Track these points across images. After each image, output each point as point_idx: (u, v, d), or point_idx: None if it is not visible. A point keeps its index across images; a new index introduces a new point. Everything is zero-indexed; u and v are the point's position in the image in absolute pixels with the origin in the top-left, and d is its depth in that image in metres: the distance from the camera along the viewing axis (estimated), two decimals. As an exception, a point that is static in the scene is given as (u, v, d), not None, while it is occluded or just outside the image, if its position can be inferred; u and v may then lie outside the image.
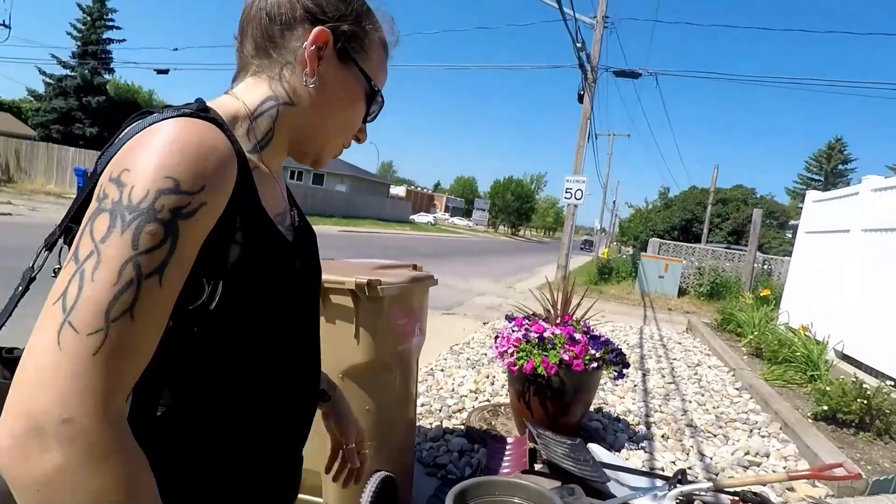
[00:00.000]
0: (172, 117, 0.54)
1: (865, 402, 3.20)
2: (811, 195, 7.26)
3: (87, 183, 0.56)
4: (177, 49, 34.65)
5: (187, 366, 0.57)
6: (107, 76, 28.41)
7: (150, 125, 0.53)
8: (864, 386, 3.34)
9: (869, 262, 5.06)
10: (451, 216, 67.30)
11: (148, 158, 0.50)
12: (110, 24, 28.19)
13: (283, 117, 0.66)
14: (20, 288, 0.58)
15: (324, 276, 1.71)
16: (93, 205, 0.50)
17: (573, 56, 11.32)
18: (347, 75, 0.67)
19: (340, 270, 1.87)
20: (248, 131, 0.64)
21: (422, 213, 52.65)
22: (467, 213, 70.33)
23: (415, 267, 2.17)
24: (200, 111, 0.57)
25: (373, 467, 1.71)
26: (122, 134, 0.56)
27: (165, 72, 18.86)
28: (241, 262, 0.57)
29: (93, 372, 0.45)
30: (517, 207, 60.19)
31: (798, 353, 4.58)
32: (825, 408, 3.34)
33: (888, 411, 3.18)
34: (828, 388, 3.43)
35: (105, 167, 0.53)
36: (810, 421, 3.40)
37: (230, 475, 0.62)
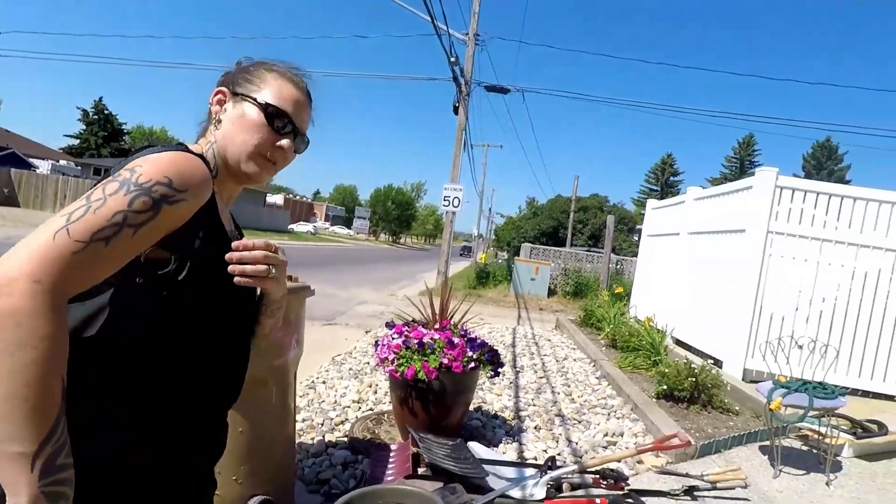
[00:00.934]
0: (176, 149, 0.80)
1: (694, 379, 3.77)
2: (650, 203, 8.37)
3: None
4: (-5, 31, 29.30)
5: (154, 318, 0.78)
6: None
7: (161, 150, 0.78)
8: (693, 366, 3.93)
9: (693, 260, 5.98)
10: (332, 225, 65.64)
11: (157, 164, 0.75)
12: None
13: (218, 155, 0.92)
14: None
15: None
16: (108, 178, 0.73)
17: (448, 69, 11.80)
18: (242, 107, 0.91)
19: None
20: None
21: (301, 223, 50.54)
22: (348, 222, 69.13)
23: (290, 278, 2.11)
24: (191, 150, 0.85)
25: (248, 492, 1.62)
26: (136, 154, 0.78)
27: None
28: (203, 250, 0.80)
29: (66, 264, 0.64)
30: (398, 215, 60.61)
31: (644, 342, 5.24)
32: (665, 387, 3.87)
33: (710, 385, 3.78)
34: (666, 371, 3.98)
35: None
36: (654, 400, 3.91)
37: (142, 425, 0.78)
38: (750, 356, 4.63)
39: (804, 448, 3.36)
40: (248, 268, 0.82)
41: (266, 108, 0.90)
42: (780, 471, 2.91)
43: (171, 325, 0.80)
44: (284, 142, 0.91)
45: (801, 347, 3.54)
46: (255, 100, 0.90)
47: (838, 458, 3.13)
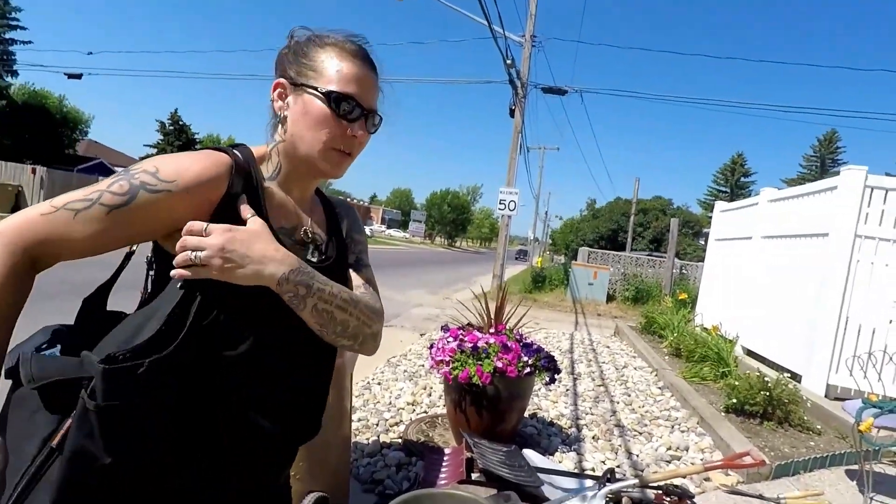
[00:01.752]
0: (213, 148, 0.81)
1: (767, 393, 3.50)
2: (719, 206, 7.91)
3: None
4: (91, 53, 32.27)
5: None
6: (10, 79, 25.96)
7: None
8: (766, 379, 3.66)
9: (767, 266, 5.58)
10: (388, 228, 66.94)
11: (161, 158, 0.78)
12: (14, 23, 25.87)
13: (283, 153, 0.86)
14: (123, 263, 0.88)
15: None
16: None
17: (504, 72, 11.73)
18: (303, 99, 0.83)
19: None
20: (267, 166, 0.88)
21: (358, 226, 51.71)
22: (404, 225, 70.22)
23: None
24: (229, 148, 0.84)
25: (306, 489, 1.66)
26: None
27: (78, 76, 17.49)
28: None
29: (32, 223, 0.71)
30: (453, 219, 60.92)
31: (711, 352, 4.94)
32: (735, 401, 3.63)
33: (786, 401, 3.50)
34: (736, 383, 3.73)
35: None
36: (723, 414, 3.67)
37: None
38: (834, 371, 4.25)
39: (899, 475, 3.03)
40: (177, 259, 0.73)
41: (329, 97, 0.81)
42: (871, 499, 2.64)
43: (204, 339, 0.75)
44: (357, 130, 0.84)
45: (892, 360, 3.21)
46: (315, 89, 0.81)
47: (941, 489, 2.80)
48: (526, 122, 13.07)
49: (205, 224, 0.73)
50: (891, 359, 3.18)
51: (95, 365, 0.66)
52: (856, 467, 2.91)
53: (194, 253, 0.72)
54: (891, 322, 4.19)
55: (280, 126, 0.85)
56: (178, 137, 47.60)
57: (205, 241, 0.72)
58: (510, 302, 3.61)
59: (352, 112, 0.83)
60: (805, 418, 3.57)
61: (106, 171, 31.99)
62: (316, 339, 0.85)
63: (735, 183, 51.59)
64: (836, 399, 4.04)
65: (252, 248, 0.74)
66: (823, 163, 50.51)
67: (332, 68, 0.82)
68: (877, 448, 2.72)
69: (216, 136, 64.17)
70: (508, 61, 11.31)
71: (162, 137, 48.00)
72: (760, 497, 2.52)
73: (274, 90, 0.85)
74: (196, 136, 50.54)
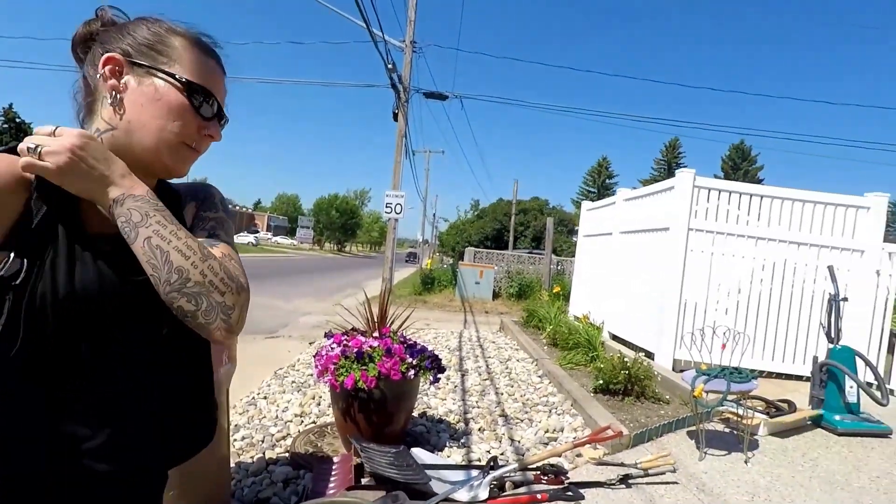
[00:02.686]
0: None
1: (627, 372, 3.97)
2: (585, 205, 8.73)
3: None
4: None
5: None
6: None
7: None
8: (626, 359, 4.14)
9: (625, 258, 6.29)
10: (275, 235, 63.66)
11: None
12: None
13: (111, 143, 0.73)
14: None
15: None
16: None
17: (386, 76, 11.79)
18: (154, 84, 0.73)
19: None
20: None
21: (242, 234, 48.76)
22: (291, 232, 67.25)
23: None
24: (10, 147, 0.70)
25: (178, 518, 1.56)
26: None
27: None
28: (38, 249, 0.69)
29: None
30: (342, 223, 59.63)
31: (582, 339, 5.45)
32: (601, 382, 4.05)
33: (642, 377, 3.99)
34: (602, 366, 4.16)
35: None
36: (592, 395, 4.08)
37: None
38: (678, 347, 4.93)
39: (726, 430, 3.61)
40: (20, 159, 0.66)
41: (190, 88, 0.74)
42: (705, 453, 3.12)
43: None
44: (213, 130, 0.78)
45: (723, 340, 3.82)
46: (172, 76, 0.73)
47: (755, 437, 3.40)
48: (410, 126, 13.27)
49: (55, 126, 0.66)
50: (714, 332, 3.79)
51: None
52: (694, 428, 3.42)
53: (38, 146, 0.64)
54: (717, 302, 4.97)
55: (112, 110, 0.73)
56: (15, 137, 40.86)
57: (55, 140, 0.64)
58: (400, 304, 3.67)
59: (210, 109, 0.77)
60: (657, 391, 4.10)
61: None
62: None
63: (602, 184, 57.08)
64: (680, 371, 4.69)
65: (108, 162, 0.67)
66: (670, 166, 57.84)
67: (191, 59, 0.75)
68: (707, 409, 3.22)
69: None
70: (390, 66, 11.40)
71: (-10, 137, 40.91)
72: (622, 464, 2.87)
73: (104, 65, 0.72)
74: (35, 136, 43.73)
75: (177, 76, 0.73)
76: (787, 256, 4.98)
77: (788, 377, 4.98)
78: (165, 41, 0.75)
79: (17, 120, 41.74)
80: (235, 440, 2.95)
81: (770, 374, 4.93)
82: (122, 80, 0.73)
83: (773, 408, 3.68)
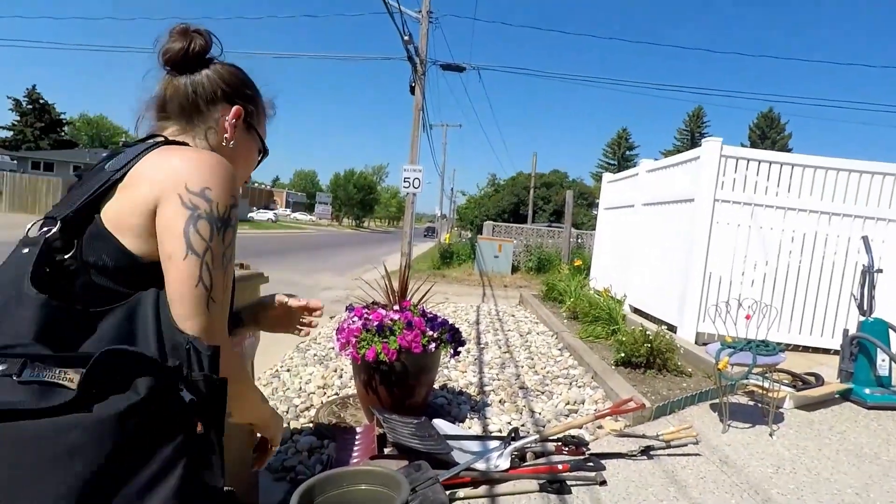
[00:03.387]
0: (210, 155, 0.83)
1: (649, 345, 3.93)
2: (606, 177, 8.55)
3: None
4: None
5: None
6: None
7: (198, 156, 0.81)
8: (648, 332, 4.09)
9: (647, 230, 6.17)
10: (294, 211, 64.23)
11: (222, 185, 0.79)
12: None
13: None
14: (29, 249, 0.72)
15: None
16: (190, 215, 0.74)
17: (402, 49, 11.58)
18: (250, 138, 1.01)
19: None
20: None
21: (261, 210, 49.19)
22: (310, 208, 67.78)
23: (242, 265, 2.06)
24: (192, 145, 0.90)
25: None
26: (141, 157, 0.80)
27: None
28: None
29: (224, 323, 0.80)
30: (360, 199, 59.77)
31: (603, 312, 5.41)
32: (622, 355, 4.02)
33: (664, 350, 3.95)
34: (623, 339, 4.12)
35: (126, 170, 0.78)
36: (613, 367, 4.06)
37: None
38: (701, 320, 4.86)
39: (750, 403, 3.57)
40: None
41: (263, 153, 1.08)
42: (729, 426, 3.09)
43: None
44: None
45: (749, 312, 3.74)
46: (262, 143, 1.06)
47: (781, 411, 3.35)
48: (427, 100, 13.09)
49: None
50: (740, 304, 3.71)
51: (204, 348, 0.72)
52: (717, 401, 3.39)
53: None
54: (743, 274, 4.85)
55: (221, 140, 0.95)
56: (39, 118, 41.65)
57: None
58: (418, 279, 3.67)
59: (258, 164, 1.09)
60: (679, 363, 4.06)
61: (-57, 159, 27.15)
62: None
63: (621, 156, 55.87)
64: (703, 344, 4.63)
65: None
66: (693, 136, 56.24)
67: (264, 128, 1.07)
68: (732, 382, 3.18)
69: (89, 115, 56.88)
70: (406, 37, 11.18)
71: (18, 118, 41.72)
72: (643, 436, 2.86)
73: (234, 116, 0.96)
74: (63, 117, 44.48)
75: (263, 141, 1.05)
76: (817, 227, 4.82)
77: (816, 350, 4.88)
78: (262, 114, 1.04)
79: (41, 101, 42.42)
80: (261, 411, 3.02)
81: (797, 348, 4.84)
82: (236, 129, 0.97)
83: (800, 381, 3.61)
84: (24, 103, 41.65)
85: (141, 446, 0.63)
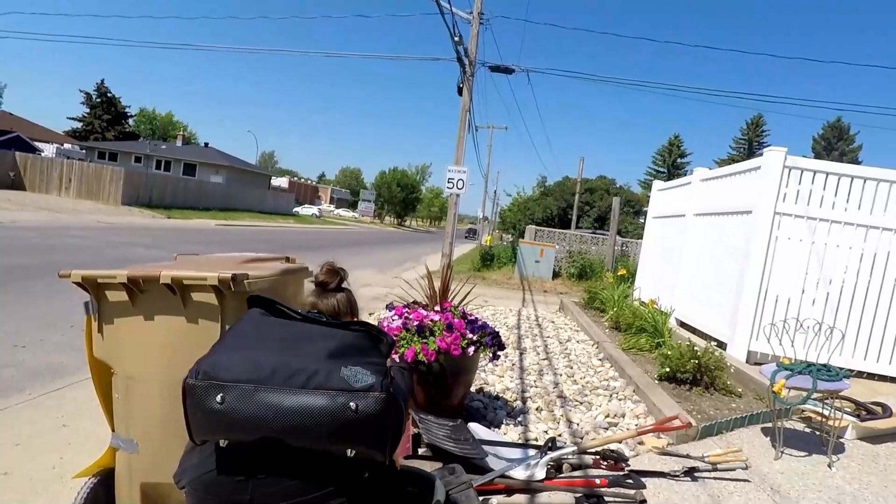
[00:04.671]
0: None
1: (696, 361, 3.75)
2: (656, 185, 8.27)
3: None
4: (-5, 13, 28.93)
5: None
6: None
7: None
8: (696, 348, 3.91)
9: (698, 242, 5.91)
10: (337, 208, 65.62)
11: None
12: None
13: None
14: None
15: (183, 273, 1.59)
16: None
17: (452, 49, 11.59)
18: None
19: (204, 266, 1.76)
20: None
21: (306, 206, 50.51)
22: (353, 205, 69.00)
23: (287, 259, 2.09)
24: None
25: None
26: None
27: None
28: None
29: None
30: (403, 198, 60.35)
31: (647, 324, 5.21)
32: (667, 369, 3.86)
33: (713, 367, 3.76)
34: (668, 353, 3.96)
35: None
36: (656, 382, 3.90)
37: None
38: (755, 338, 4.60)
39: (807, 430, 3.35)
40: None
41: None
42: (782, 452, 2.91)
43: None
44: None
45: (805, 329, 3.51)
46: None
47: (841, 441, 3.12)
48: (474, 101, 13.06)
49: None
50: (800, 325, 3.48)
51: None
52: (770, 425, 3.19)
53: None
54: (803, 292, 4.56)
55: None
56: (106, 110, 44.25)
57: None
58: (458, 280, 3.65)
59: None
60: (729, 383, 3.86)
61: (24, 146, 29.26)
62: None
63: (672, 163, 53.96)
64: (756, 364, 4.38)
65: None
66: (751, 145, 53.63)
67: None
68: (787, 406, 2.98)
69: (151, 109, 60.00)
70: (456, 38, 11.19)
71: (88, 110, 44.45)
72: (687, 456, 2.73)
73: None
74: (127, 110, 47.10)
75: None
76: (890, 247, 4.47)
77: (882, 378, 4.53)
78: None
79: (109, 94, 45.02)
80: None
81: (860, 374, 4.51)
82: None
83: (864, 410, 3.36)
84: (93, 97, 44.33)
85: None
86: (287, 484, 1.08)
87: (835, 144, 51.05)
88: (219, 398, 1.01)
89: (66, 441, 2.55)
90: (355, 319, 1.41)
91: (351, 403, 1.03)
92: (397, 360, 2.68)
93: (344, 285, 1.53)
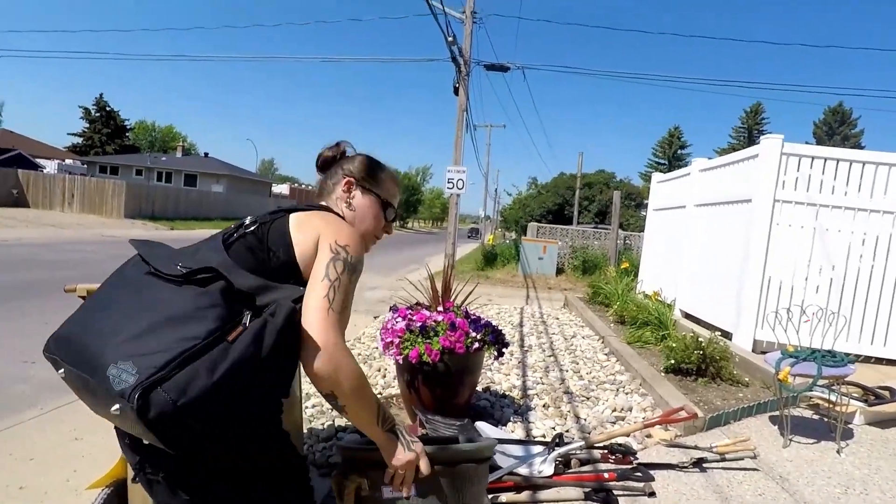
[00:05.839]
0: (342, 220, 1.21)
1: (701, 352, 3.75)
2: (656, 177, 8.26)
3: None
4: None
5: None
6: None
7: (339, 221, 1.18)
8: (700, 339, 3.91)
9: (700, 232, 5.91)
10: (339, 212, 65.70)
11: (355, 242, 1.12)
12: None
13: (348, 219, 1.25)
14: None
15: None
16: (328, 254, 1.07)
17: (446, 50, 11.62)
18: (368, 199, 1.29)
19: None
20: None
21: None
22: (355, 208, 68.97)
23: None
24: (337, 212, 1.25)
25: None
26: (284, 218, 1.15)
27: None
28: None
29: (336, 326, 0.99)
30: (405, 200, 60.43)
31: (651, 317, 5.22)
32: (672, 361, 3.87)
33: (718, 358, 3.77)
34: (673, 345, 3.96)
35: (280, 228, 1.12)
36: (662, 374, 3.91)
37: None
38: (759, 327, 4.60)
39: (815, 417, 3.35)
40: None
41: (387, 205, 1.31)
42: (790, 440, 2.91)
43: None
44: (389, 227, 1.34)
45: (808, 316, 3.51)
46: (378, 195, 1.29)
47: (849, 426, 3.12)
48: (471, 100, 13.08)
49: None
50: (803, 312, 3.48)
51: (289, 303, 0.94)
52: (777, 413, 3.19)
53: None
54: (806, 279, 4.56)
55: (344, 205, 1.27)
56: (105, 124, 44.49)
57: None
58: (461, 280, 3.66)
59: (391, 216, 1.33)
60: (735, 372, 3.86)
61: (26, 163, 29.44)
62: None
63: (672, 155, 53.83)
64: (762, 352, 4.38)
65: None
66: (751, 133, 53.44)
67: (387, 186, 1.32)
68: (793, 394, 2.99)
69: (151, 122, 60.25)
70: (450, 38, 11.21)
71: (88, 125, 44.70)
72: (695, 447, 2.73)
73: (344, 182, 1.27)
74: (127, 123, 47.33)
75: (383, 198, 1.30)
76: (892, 230, 4.47)
77: (890, 363, 4.52)
78: (378, 177, 1.30)
79: (108, 108, 45.25)
80: (307, 407, 3.09)
81: (868, 359, 4.50)
82: (353, 193, 1.27)
83: (872, 395, 3.36)
84: (92, 111, 44.58)
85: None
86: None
87: (836, 129, 50.84)
88: (61, 373, 0.92)
89: (79, 454, 2.58)
90: (346, 180, 1.27)
91: (123, 408, 0.78)
92: (393, 356, 2.69)
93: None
